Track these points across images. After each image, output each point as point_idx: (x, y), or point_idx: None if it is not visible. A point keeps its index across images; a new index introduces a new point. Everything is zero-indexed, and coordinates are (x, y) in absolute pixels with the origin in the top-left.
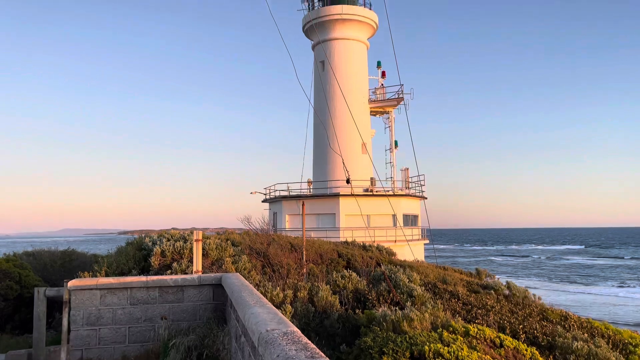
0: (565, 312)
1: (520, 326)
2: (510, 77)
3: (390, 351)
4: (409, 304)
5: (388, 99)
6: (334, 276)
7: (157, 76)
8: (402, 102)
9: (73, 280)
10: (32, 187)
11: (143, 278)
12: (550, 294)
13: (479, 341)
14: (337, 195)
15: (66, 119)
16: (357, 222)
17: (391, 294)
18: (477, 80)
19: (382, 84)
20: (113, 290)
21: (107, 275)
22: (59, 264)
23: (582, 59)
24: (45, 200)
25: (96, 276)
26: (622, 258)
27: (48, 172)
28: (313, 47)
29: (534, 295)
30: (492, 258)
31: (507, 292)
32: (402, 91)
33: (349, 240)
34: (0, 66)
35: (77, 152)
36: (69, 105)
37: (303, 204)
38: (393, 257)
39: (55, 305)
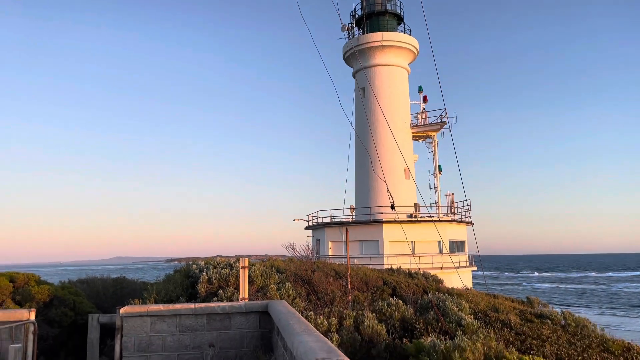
0: (628, 343)
1: (580, 358)
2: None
3: None
4: (459, 333)
5: (430, 124)
6: (380, 304)
7: (199, 106)
8: (445, 126)
9: (125, 307)
10: (84, 217)
11: (191, 305)
12: (609, 324)
13: None
14: (381, 221)
15: (114, 151)
16: (401, 249)
17: (440, 323)
18: (522, 100)
19: (424, 109)
20: (162, 317)
21: (156, 302)
22: (111, 291)
23: None
24: (98, 229)
25: (146, 303)
26: None
27: (100, 203)
28: (354, 75)
29: (594, 325)
30: (544, 285)
31: (563, 321)
32: (446, 115)
33: (394, 267)
34: (70, 98)
35: (126, 182)
36: (116, 138)
37: (347, 231)
38: (440, 285)
39: (107, 332)
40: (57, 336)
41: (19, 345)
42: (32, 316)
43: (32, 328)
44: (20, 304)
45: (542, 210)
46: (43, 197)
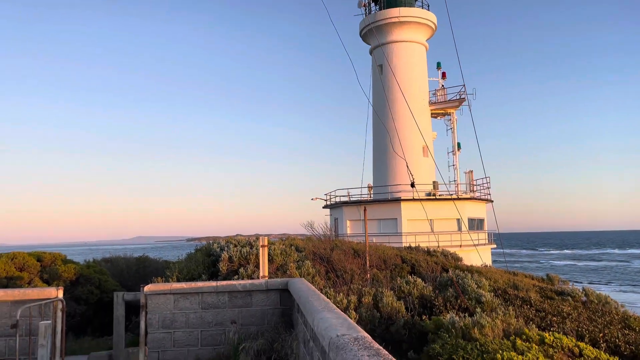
0: None
1: (601, 335)
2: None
3: (461, 358)
4: (478, 310)
5: (449, 100)
6: (399, 282)
7: (220, 90)
8: (464, 103)
9: (149, 285)
10: (108, 197)
11: (213, 283)
12: (630, 301)
13: (555, 350)
14: (399, 199)
15: (138, 133)
16: (419, 227)
17: (459, 300)
18: (543, 77)
19: (442, 85)
20: (185, 295)
21: (178, 280)
22: (134, 270)
23: None
24: (120, 210)
25: (169, 281)
26: None
27: (123, 183)
28: (371, 52)
29: (615, 301)
30: (564, 262)
31: (584, 298)
32: (465, 91)
33: (412, 245)
34: (80, 83)
35: (147, 164)
36: (137, 118)
37: (365, 210)
38: (459, 263)
39: (131, 309)
40: (84, 313)
41: (49, 322)
42: (60, 294)
43: (60, 305)
44: (47, 283)
45: (562, 186)
46: (69, 180)
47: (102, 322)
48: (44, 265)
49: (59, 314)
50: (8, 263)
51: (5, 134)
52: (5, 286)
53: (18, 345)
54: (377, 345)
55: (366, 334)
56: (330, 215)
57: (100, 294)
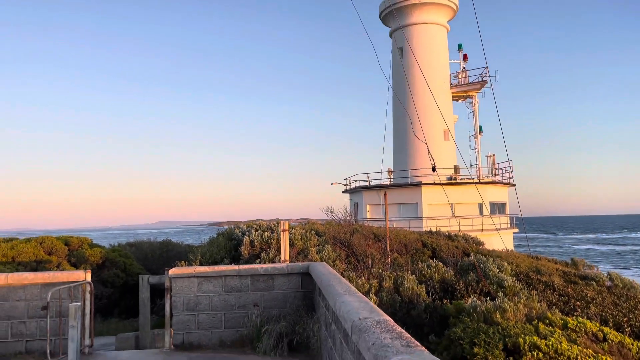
0: None
1: (625, 319)
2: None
3: (482, 342)
4: (500, 294)
5: (471, 83)
6: (420, 266)
7: (236, 75)
8: (486, 85)
9: (173, 269)
10: (131, 182)
11: (235, 267)
12: None
13: (579, 334)
14: (420, 184)
15: (160, 120)
16: (440, 211)
17: (480, 284)
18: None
19: (464, 68)
20: (209, 279)
21: (201, 264)
22: (158, 253)
23: None
24: (143, 194)
25: (192, 265)
26: None
27: (145, 169)
28: (391, 34)
29: None
30: (588, 247)
31: (609, 283)
32: (487, 73)
33: (433, 229)
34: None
35: (169, 149)
36: (160, 106)
37: (385, 194)
38: (480, 247)
39: (156, 292)
40: (110, 296)
41: (78, 304)
42: (88, 277)
43: (88, 288)
44: (75, 266)
45: (587, 169)
46: (93, 166)
47: (127, 305)
48: (71, 249)
49: (87, 296)
50: (37, 247)
51: (34, 120)
52: (35, 269)
53: (49, 326)
54: (399, 329)
55: (388, 317)
56: (350, 199)
57: (125, 277)
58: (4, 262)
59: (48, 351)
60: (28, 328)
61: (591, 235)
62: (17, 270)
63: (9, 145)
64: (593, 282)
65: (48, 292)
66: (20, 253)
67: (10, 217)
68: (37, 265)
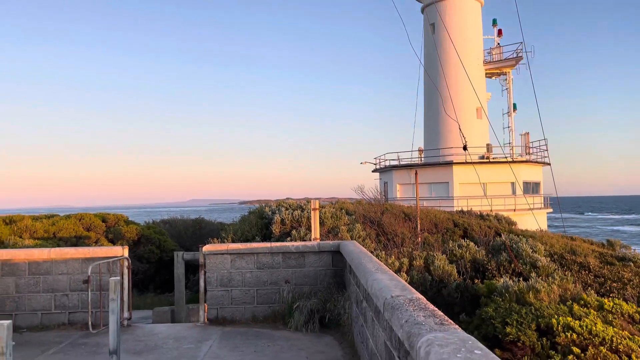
0: None
1: None
2: None
3: (514, 322)
4: (533, 275)
5: (505, 59)
6: (450, 245)
7: (269, 51)
8: (521, 61)
9: (207, 246)
10: (164, 160)
11: (267, 244)
12: None
13: (615, 316)
14: (451, 163)
15: (195, 100)
16: (471, 191)
17: (512, 265)
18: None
19: (498, 44)
20: (241, 256)
21: (233, 241)
22: (191, 231)
23: None
24: (176, 173)
25: (224, 242)
26: None
27: (178, 148)
28: (422, 10)
29: None
30: (625, 227)
31: None
32: (523, 49)
33: (464, 209)
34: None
35: (201, 128)
36: (195, 86)
37: (416, 173)
38: (513, 227)
39: (189, 268)
40: (146, 271)
41: (118, 278)
42: (126, 253)
43: (126, 263)
44: (112, 242)
45: (625, 149)
46: (128, 145)
47: (162, 280)
48: (108, 226)
49: (125, 271)
50: (76, 223)
51: (67, 99)
52: (75, 244)
53: (90, 299)
54: (432, 307)
55: (421, 296)
56: (380, 179)
57: (160, 253)
58: (46, 238)
59: (90, 322)
60: (70, 300)
61: (629, 216)
62: (59, 246)
63: (52, 126)
64: (630, 264)
65: (89, 266)
66: (60, 229)
67: (50, 195)
68: (77, 241)
